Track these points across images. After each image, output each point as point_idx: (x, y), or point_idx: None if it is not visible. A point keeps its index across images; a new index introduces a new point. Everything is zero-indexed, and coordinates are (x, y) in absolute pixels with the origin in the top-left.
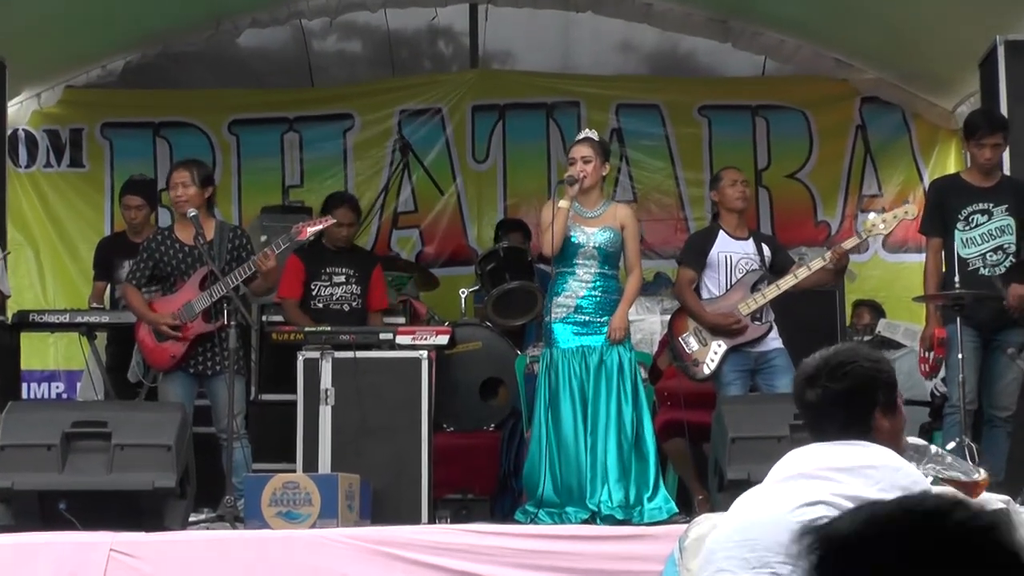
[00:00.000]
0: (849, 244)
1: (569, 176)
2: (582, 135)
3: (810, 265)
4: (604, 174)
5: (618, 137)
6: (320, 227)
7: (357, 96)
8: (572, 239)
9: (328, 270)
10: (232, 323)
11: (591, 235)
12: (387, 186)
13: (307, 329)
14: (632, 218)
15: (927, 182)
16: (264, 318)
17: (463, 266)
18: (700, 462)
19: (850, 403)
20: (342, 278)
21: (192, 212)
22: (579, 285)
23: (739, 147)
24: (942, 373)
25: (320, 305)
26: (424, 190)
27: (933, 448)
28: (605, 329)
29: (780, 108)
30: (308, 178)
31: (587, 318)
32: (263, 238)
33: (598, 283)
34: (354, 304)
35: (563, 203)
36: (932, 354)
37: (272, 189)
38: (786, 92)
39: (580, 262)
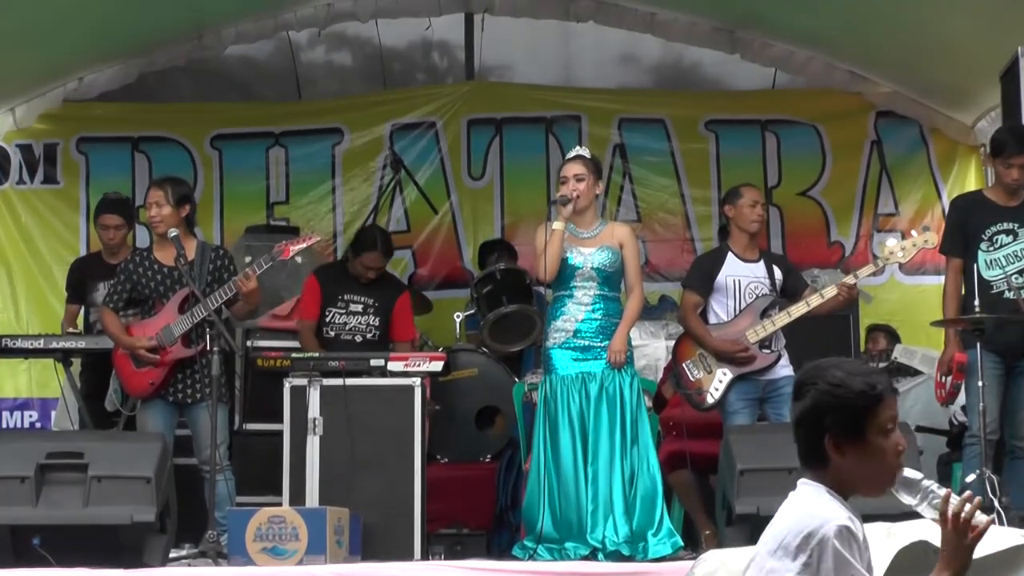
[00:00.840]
0: (865, 272)
1: (562, 196)
2: (573, 153)
3: (823, 292)
4: (598, 192)
5: (621, 153)
6: (305, 246)
7: (346, 109)
8: (568, 260)
9: (346, 297)
10: (215, 348)
11: (588, 256)
12: (378, 204)
13: (294, 355)
14: (631, 236)
15: (946, 200)
16: (249, 343)
17: (458, 289)
18: (707, 495)
19: (801, 427)
20: (359, 307)
21: (173, 232)
22: (578, 308)
23: (748, 164)
24: (961, 400)
25: (332, 333)
26: (417, 208)
27: (926, 482)
28: (606, 354)
29: (791, 123)
30: (294, 195)
31: (587, 343)
32: (247, 259)
33: (598, 306)
34: (369, 336)
35: (557, 225)
36: (949, 379)
37: (256, 206)
38: (797, 106)
39: (578, 284)
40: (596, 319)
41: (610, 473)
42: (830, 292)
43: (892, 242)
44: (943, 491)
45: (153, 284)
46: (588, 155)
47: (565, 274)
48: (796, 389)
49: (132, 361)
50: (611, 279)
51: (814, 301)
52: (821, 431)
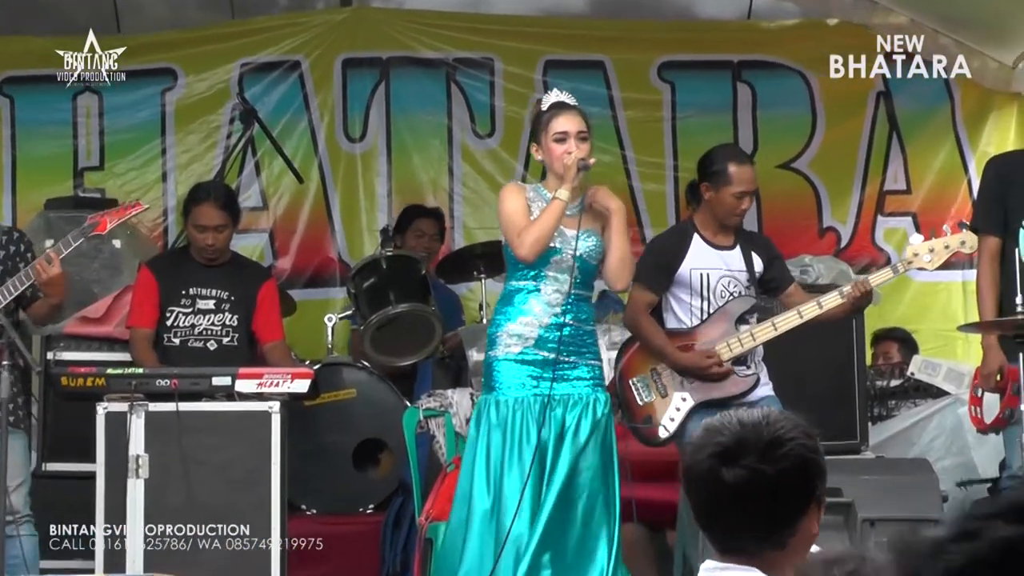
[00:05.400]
0: (879, 279)
1: (583, 161)
2: (557, 99)
3: (821, 302)
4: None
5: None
6: (129, 216)
7: (180, 44)
8: None
9: (191, 291)
10: (4, 363)
11: (570, 239)
12: (223, 170)
13: (110, 371)
14: (615, 198)
15: (974, 173)
16: (50, 355)
17: (331, 287)
18: (661, 556)
19: (780, 495)
20: (210, 303)
21: None
22: (546, 309)
23: (714, 125)
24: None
25: (176, 340)
26: (275, 177)
27: None
28: (576, 373)
29: (772, 67)
30: (111, 157)
31: (550, 356)
32: (48, 242)
33: (570, 309)
34: (225, 340)
35: (564, 193)
36: (994, 398)
37: (60, 173)
38: (780, 44)
39: (551, 275)
40: (567, 325)
41: (572, 527)
42: (832, 302)
43: (917, 240)
44: None
45: None
46: (576, 103)
47: (536, 260)
48: (767, 446)
49: None
50: (590, 275)
51: (809, 312)
52: (807, 497)
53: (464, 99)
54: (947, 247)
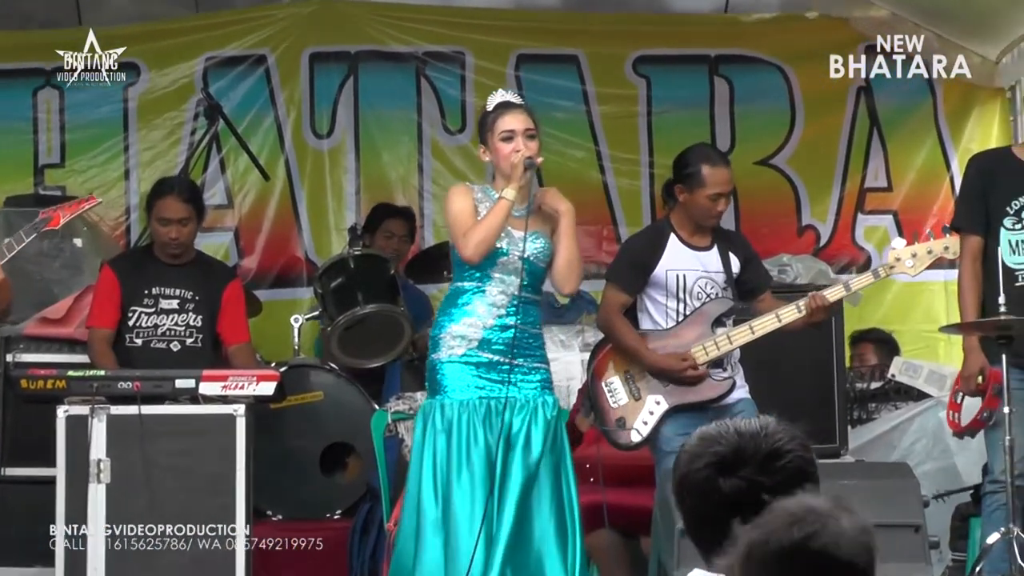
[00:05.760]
0: (860, 283)
1: (530, 159)
2: (502, 98)
3: (801, 305)
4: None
5: None
6: (80, 211)
7: (143, 38)
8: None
9: (154, 291)
10: None
11: (518, 240)
12: (187, 167)
13: (71, 374)
14: (565, 200)
15: (956, 171)
16: (9, 357)
17: (297, 287)
18: (636, 563)
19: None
20: (174, 303)
21: None
22: (490, 310)
23: (690, 120)
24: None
25: (137, 341)
26: (240, 174)
27: None
28: (521, 377)
29: (750, 61)
30: (72, 154)
31: (495, 358)
32: (5, 241)
33: (515, 312)
34: (188, 341)
35: (510, 192)
36: (974, 401)
37: (20, 170)
38: (758, 38)
39: (496, 276)
40: (510, 328)
41: (522, 533)
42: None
43: (899, 244)
44: None
45: None
46: (523, 102)
47: (483, 260)
48: (766, 457)
49: None
50: (538, 278)
51: (788, 316)
52: None
53: (434, 94)
54: (930, 252)
